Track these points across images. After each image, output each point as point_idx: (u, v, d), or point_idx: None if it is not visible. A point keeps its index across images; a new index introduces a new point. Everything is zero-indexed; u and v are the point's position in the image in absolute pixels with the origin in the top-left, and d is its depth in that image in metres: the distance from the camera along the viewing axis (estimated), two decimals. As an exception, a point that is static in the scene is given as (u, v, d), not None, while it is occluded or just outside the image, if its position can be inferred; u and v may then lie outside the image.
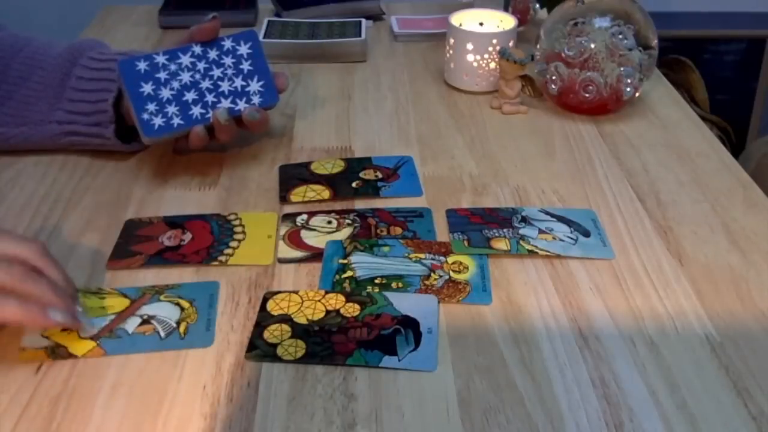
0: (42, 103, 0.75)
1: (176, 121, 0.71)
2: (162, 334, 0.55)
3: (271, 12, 1.16)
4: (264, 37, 1.02)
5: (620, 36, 0.82)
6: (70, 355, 0.53)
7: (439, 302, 0.58)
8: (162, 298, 0.58)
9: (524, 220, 0.67)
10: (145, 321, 0.56)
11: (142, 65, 0.71)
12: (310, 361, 0.53)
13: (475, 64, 0.90)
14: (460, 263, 0.62)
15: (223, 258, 0.63)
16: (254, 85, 0.75)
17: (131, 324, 0.56)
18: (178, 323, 0.56)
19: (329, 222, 0.67)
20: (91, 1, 1.27)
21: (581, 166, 0.77)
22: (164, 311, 0.57)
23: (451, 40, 0.91)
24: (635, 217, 0.69)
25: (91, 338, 0.54)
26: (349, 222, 0.67)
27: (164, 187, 0.73)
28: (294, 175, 0.75)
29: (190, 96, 0.72)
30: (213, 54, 0.74)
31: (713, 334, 0.55)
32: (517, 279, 0.61)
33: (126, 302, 0.58)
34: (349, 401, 0.50)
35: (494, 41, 0.89)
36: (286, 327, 0.55)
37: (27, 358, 0.53)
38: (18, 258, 0.52)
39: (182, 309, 0.57)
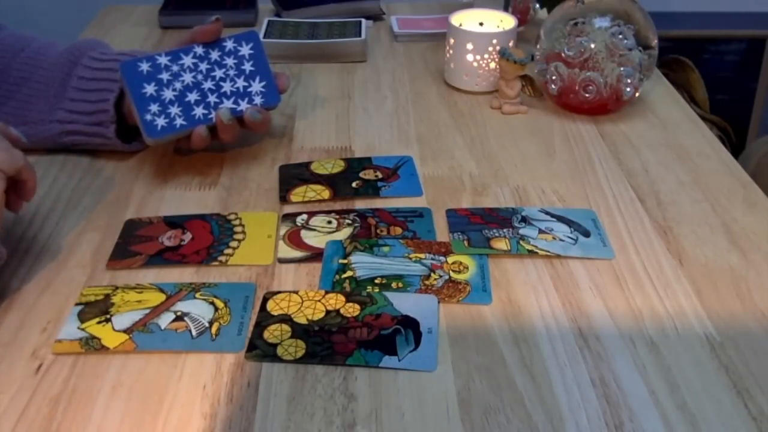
0: (43, 102, 0.75)
1: (179, 121, 0.71)
2: (194, 333, 0.55)
3: (271, 12, 1.16)
4: (264, 37, 1.02)
5: (620, 36, 0.82)
6: (103, 347, 0.53)
7: (439, 302, 0.58)
8: (198, 295, 0.58)
9: (524, 220, 0.67)
10: (179, 317, 0.56)
11: (144, 66, 0.71)
12: (310, 361, 0.53)
13: (475, 64, 0.90)
14: (460, 263, 0.62)
15: (223, 258, 0.63)
16: (256, 86, 0.75)
17: (164, 319, 0.56)
18: (211, 323, 0.56)
19: (329, 222, 0.67)
20: (91, 1, 1.27)
21: (581, 166, 0.77)
22: (198, 309, 0.57)
23: (451, 40, 0.91)
24: (635, 217, 0.69)
25: (125, 331, 0.54)
26: (349, 222, 0.67)
27: (164, 187, 0.73)
28: (294, 175, 0.75)
29: (192, 97, 0.72)
30: (215, 55, 0.74)
31: (713, 334, 0.55)
32: (517, 279, 0.61)
33: (162, 297, 0.58)
34: (349, 401, 0.50)
35: (494, 41, 0.89)
36: (286, 327, 0.55)
37: (62, 350, 0.53)
38: None
39: (216, 309, 0.57)
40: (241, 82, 0.74)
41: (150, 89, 0.71)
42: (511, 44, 0.90)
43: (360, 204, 0.71)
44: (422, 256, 0.63)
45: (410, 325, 0.55)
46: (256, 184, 0.74)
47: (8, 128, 0.61)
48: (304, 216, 0.68)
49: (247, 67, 0.75)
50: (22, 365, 0.52)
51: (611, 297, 0.59)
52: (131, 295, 0.58)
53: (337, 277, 0.61)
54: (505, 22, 0.93)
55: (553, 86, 0.86)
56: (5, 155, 0.57)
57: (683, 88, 1.68)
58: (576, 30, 0.84)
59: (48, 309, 0.57)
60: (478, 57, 0.90)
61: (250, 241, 0.65)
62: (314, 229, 0.67)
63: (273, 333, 0.55)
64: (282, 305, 0.57)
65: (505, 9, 1.05)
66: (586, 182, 0.74)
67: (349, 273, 0.61)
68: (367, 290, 0.59)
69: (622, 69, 0.82)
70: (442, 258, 0.63)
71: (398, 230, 0.66)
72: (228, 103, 0.74)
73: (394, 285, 0.60)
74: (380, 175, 0.75)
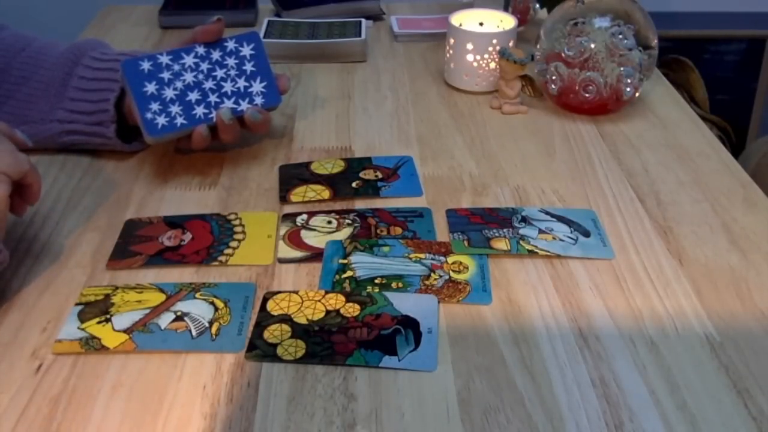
0: (43, 102, 0.75)
1: (179, 120, 0.71)
2: (194, 333, 0.55)
3: (271, 12, 1.16)
4: (264, 37, 1.02)
5: (620, 36, 0.82)
6: (103, 347, 0.53)
7: (439, 302, 0.58)
8: (198, 295, 0.58)
9: (524, 220, 0.67)
10: (179, 317, 0.56)
11: (145, 65, 0.71)
12: (310, 361, 0.53)
13: (475, 64, 0.90)
14: (460, 263, 0.62)
15: (223, 258, 0.63)
16: (257, 86, 0.75)
17: (164, 319, 0.56)
18: (211, 323, 0.56)
19: (329, 222, 0.67)
20: (91, 1, 1.27)
21: (581, 166, 0.77)
22: (198, 309, 0.57)
23: (451, 40, 0.91)
24: (635, 217, 0.69)
25: (125, 331, 0.54)
26: (349, 222, 0.67)
27: (164, 187, 0.73)
28: (294, 175, 0.75)
29: (193, 96, 0.72)
30: (216, 55, 0.74)
31: (713, 334, 0.55)
32: (517, 279, 0.61)
33: (162, 297, 0.58)
34: (349, 401, 0.50)
35: (494, 41, 0.89)
36: (286, 327, 0.55)
37: (62, 350, 0.53)
38: None
39: (216, 309, 0.57)
40: (241, 83, 0.75)
41: (151, 88, 0.71)
42: (511, 44, 0.90)
43: (360, 204, 0.71)
44: (422, 256, 0.63)
45: (410, 325, 0.55)
46: (256, 184, 0.74)
47: (13, 131, 0.60)
48: (304, 216, 0.68)
49: (248, 67, 0.75)
50: (22, 365, 0.52)
51: (611, 297, 0.59)
52: (131, 295, 0.58)
53: (337, 277, 0.61)
54: (505, 22, 0.93)
55: (553, 86, 0.86)
56: (10, 159, 0.56)
57: (683, 88, 1.68)
58: (576, 30, 0.84)
59: (48, 309, 0.57)
60: (478, 57, 0.90)
61: (250, 241, 0.65)
62: (314, 229, 0.67)
63: (273, 333, 0.55)
64: (282, 305, 0.57)
65: (505, 9, 1.05)
66: (586, 182, 0.74)
67: (349, 273, 0.61)
68: (367, 290, 0.59)
69: (622, 69, 0.82)
70: (442, 258, 0.63)
71: (398, 230, 0.66)
72: (229, 103, 0.74)
73: (394, 285, 0.60)
74: (380, 175, 0.75)
